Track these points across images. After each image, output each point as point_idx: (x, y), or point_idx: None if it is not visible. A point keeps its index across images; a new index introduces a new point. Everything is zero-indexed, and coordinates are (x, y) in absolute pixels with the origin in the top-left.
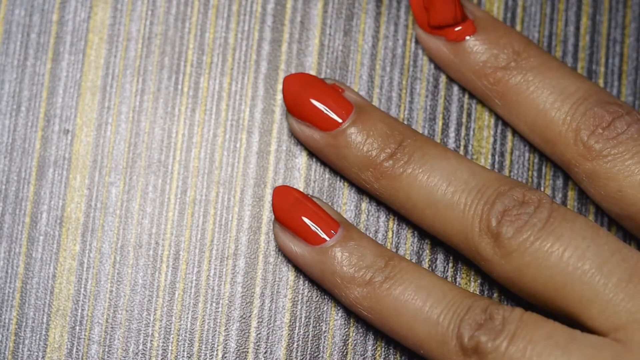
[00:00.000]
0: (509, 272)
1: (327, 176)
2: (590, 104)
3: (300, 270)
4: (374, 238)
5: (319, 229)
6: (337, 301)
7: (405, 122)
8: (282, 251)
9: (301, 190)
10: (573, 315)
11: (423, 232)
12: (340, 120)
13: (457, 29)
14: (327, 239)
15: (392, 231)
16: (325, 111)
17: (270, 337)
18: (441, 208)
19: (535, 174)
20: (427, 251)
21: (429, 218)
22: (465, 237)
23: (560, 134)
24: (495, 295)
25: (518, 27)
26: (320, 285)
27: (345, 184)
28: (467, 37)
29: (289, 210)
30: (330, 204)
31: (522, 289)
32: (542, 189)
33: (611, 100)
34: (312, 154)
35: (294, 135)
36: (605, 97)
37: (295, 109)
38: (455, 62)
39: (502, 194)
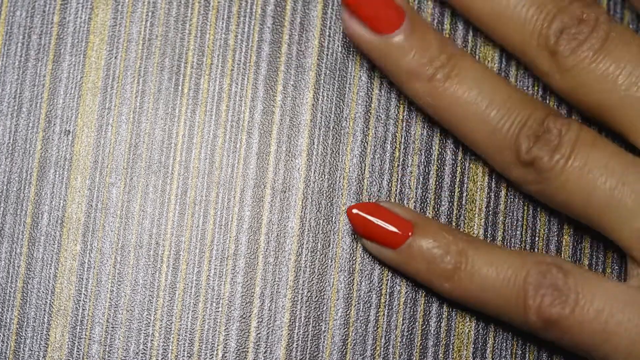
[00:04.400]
0: (564, 87)
1: (327, 177)
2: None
3: (300, 269)
4: None
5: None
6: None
7: (404, 123)
8: (348, 34)
9: (301, 190)
10: (623, 135)
11: None
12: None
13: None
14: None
15: None
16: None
17: (270, 337)
18: (504, 18)
19: None
20: None
21: (491, 24)
22: (523, 49)
23: None
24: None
25: None
26: (385, 75)
27: (345, 184)
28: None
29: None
30: (330, 204)
31: (576, 104)
32: None
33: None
34: (312, 154)
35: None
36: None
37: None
38: None
39: (561, 9)
